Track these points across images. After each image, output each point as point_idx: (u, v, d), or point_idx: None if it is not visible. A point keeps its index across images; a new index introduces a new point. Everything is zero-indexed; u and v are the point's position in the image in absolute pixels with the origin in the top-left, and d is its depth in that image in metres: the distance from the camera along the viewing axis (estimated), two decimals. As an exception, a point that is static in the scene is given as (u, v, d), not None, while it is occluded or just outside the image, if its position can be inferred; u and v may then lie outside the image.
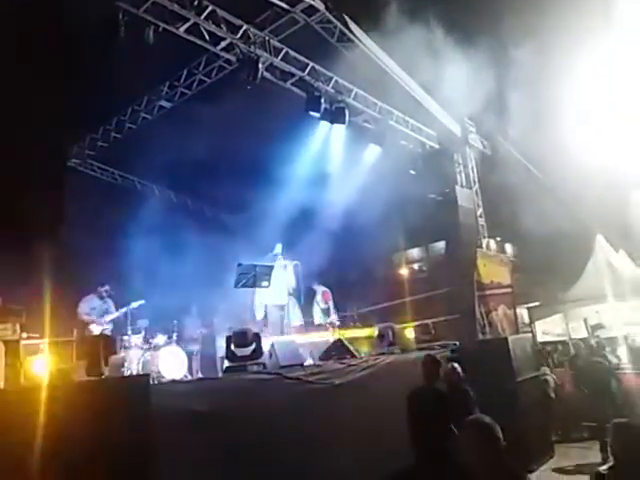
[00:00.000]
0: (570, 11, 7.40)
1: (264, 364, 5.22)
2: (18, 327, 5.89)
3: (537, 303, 11.26)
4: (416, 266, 18.80)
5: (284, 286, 8.46)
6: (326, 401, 5.01)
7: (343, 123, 8.87)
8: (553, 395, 8.48)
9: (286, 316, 8.36)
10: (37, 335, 6.71)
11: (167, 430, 3.31)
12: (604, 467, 2.65)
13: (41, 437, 2.40)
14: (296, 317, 8.79)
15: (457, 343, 7.49)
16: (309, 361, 6.23)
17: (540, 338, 10.65)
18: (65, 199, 8.90)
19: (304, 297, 9.38)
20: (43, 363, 6.60)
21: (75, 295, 8.15)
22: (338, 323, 9.56)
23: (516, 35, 8.08)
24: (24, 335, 6.20)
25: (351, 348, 6.43)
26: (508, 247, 17.54)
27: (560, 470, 6.66)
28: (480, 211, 10.55)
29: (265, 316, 8.25)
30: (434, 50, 7.95)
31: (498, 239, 16.78)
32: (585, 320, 10.36)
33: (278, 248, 8.84)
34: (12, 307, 5.79)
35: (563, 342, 10.67)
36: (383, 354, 6.50)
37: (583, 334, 10.25)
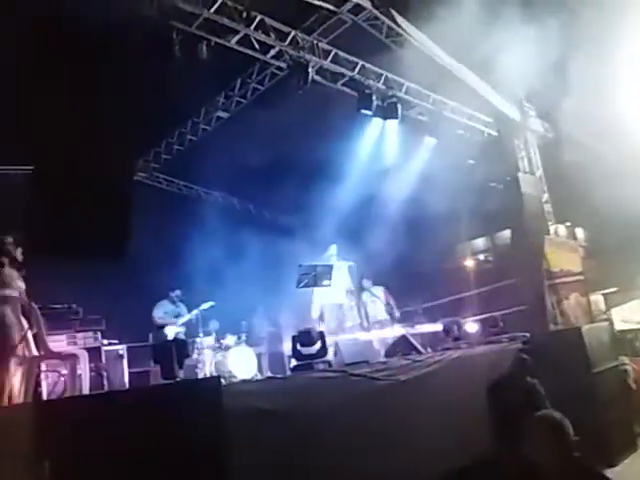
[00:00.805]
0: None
1: (329, 362, 5.32)
2: (99, 335, 6.36)
3: (614, 289, 10.71)
4: (482, 257, 18.32)
5: (341, 286, 8.53)
6: (392, 398, 5.02)
7: (396, 118, 8.83)
8: (634, 385, 8.06)
9: (345, 315, 8.41)
10: (116, 341, 7.19)
11: (238, 429, 3.46)
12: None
13: (119, 441, 2.60)
14: (355, 316, 8.83)
15: (527, 335, 7.26)
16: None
17: (618, 326, 10.12)
18: (134, 212, 9.36)
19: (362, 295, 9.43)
20: (123, 368, 7.06)
21: (149, 301, 8.62)
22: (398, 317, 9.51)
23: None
24: (105, 342, 6.68)
25: (416, 344, 6.41)
26: (579, 232, 16.73)
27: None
28: (546, 197, 10.14)
29: (321, 315, 8.36)
30: (485, 31, 7.68)
31: (568, 224, 16.02)
32: (668, 305, 9.76)
33: (332, 249, 8.86)
34: (92, 317, 6.26)
35: (645, 329, 10.08)
36: (449, 349, 6.42)
37: (666, 319, 9.66)
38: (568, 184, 10.39)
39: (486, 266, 17.13)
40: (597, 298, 10.25)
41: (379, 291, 9.53)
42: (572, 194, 10.59)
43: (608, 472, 5.84)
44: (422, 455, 4.80)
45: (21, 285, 4.57)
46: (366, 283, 9.59)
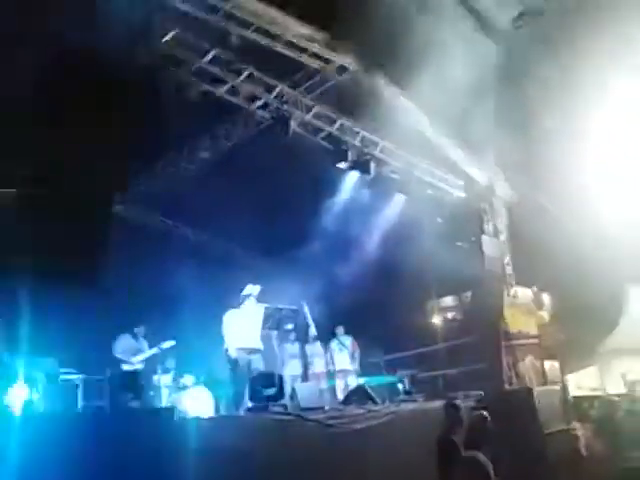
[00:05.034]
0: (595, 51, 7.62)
1: (285, 405, 5.37)
2: (56, 363, 6.29)
3: (571, 354, 10.95)
4: (449, 315, 18.55)
5: (255, 329, 7.42)
6: (345, 445, 5.09)
7: (368, 174, 9.19)
8: (584, 451, 8.18)
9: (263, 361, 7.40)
10: (73, 370, 7.06)
11: (189, 461, 3.50)
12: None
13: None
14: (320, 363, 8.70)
15: (482, 393, 7.43)
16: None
17: (573, 392, 10.32)
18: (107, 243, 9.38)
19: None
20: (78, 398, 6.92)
21: (112, 333, 8.50)
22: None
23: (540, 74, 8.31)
24: (61, 370, 6.59)
25: (373, 394, 6.49)
26: (545, 296, 17.11)
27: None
28: (507, 260, 10.49)
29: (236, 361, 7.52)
30: (461, 97, 8.10)
31: (534, 288, 16.40)
32: (623, 375, 10.05)
33: (252, 289, 7.74)
34: (52, 342, 6.22)
35: (599, 397, 10.30)
36: (405, 402, 6.53)
37: (620, 388, 9.91)
38: (532, 248, 10.79)
39: (452, 324, 17.35)
40: (553, 363, 10.47)
41: (348, 341, 9.64)
42: (536, 258, 10.97)
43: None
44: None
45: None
46: (338, 330, 9.69)
